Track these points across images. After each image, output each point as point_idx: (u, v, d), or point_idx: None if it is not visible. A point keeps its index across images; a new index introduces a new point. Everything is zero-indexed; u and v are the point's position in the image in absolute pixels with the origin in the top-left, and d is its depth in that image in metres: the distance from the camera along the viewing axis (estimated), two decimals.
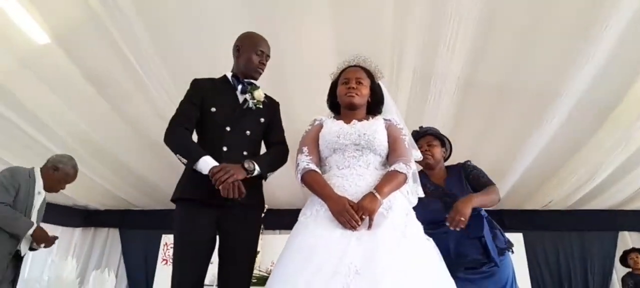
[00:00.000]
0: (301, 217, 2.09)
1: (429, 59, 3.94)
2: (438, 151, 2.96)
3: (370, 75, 2.38)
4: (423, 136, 2.99)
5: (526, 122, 4.73)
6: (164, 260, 7.33)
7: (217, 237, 2.27)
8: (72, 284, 4.77)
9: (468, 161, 2.97)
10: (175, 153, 2.22)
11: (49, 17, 3.59)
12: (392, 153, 2.17)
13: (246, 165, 2.16)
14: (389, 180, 2.03)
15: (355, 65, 2.40)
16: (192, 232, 2.18)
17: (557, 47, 3.68)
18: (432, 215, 2.65)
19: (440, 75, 4.13)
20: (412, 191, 2.21)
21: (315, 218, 2.00)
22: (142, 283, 7.38)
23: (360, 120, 2.26)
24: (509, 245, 2.76)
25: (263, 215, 2.48)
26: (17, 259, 3.51)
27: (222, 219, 2.21)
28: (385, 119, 2.30)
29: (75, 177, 3.78)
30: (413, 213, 2.10)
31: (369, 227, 1.89)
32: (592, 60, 3.71)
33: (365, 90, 2.32)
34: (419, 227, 2.05)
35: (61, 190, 3.82)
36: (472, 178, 2.85)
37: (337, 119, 2.32)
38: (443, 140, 3.02)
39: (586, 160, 5.43)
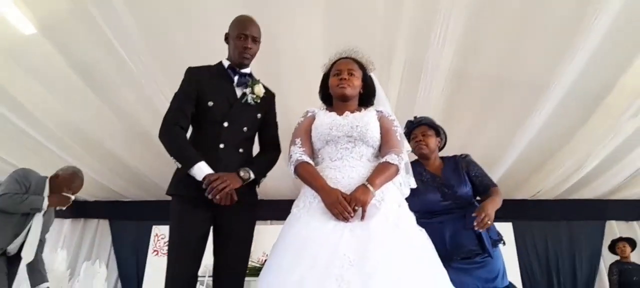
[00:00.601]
0: (294, 209, 2.09)
1: (420, 50, 3.93)
2: (433, 141, 2.96)
3: (361, 66, 2.36)
4: (418, 126, 2.99)
5: (516, 113, 4.76)
6: (154, 251, 7.31)
7: (211, 230, 2.25)
8: (62, 276, 4.73)
9: (468, 155, 2.98)
10: (170, 155, 2.19)
11: (34, 8, 3.54)
12: (384, 145, 2.17)
13: (242, 174, 2.15)
14: (381, 171, 2.03)
15: (346, 57, 2.38)
16: (187, 227, 2.16)
17: (547, 38, 3.69)
18: (429, 205, 2.71)
19: (431, 66, 4.13)
20: (404, 182, 2.21)
21: (308, 210, 2.00)
22: (132, 274, 7.36)
23: (352, 111, 2.25)
24: (500, 238, 2.79)
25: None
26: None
27: (218, 215, 2.19)
28: (377, 111, 2.29)
29: (76, 182, 3.77)
30: (405, 205, 2.11)
31: (362, 218, 1.89)
32: (581, 52, 3.73)
33: (357, 82, 2.31)
34: (411, 217, 2.05)
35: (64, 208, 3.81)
36: (474, 176, 2.86)
37: (330, 111, 2.31)
38: (438, 130, 3.02)
39: (575, 151, 5.49)
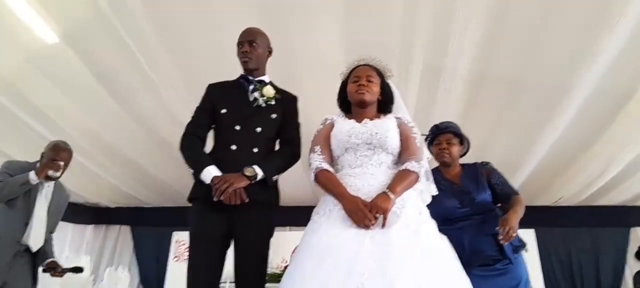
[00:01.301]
0: (314, 216, 2.09)
1: (439, 54, 3.90)
2: (456, 149, 2.93)
3: (379, 74, 2.36)
4: (443, 133, 2.96)
5: (537, 118, 4.68)
6: (175, 257, 7.37)
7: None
8: (86, 281, 4.81)
9: (489, 163, 2.95)
10: (186, 164, 2.31)
11: (57, 17, 3.60)
12: (404, 152, 2.16)
13: (246, 173, 2.18)
14: (402, 179, 2.02)
15: (365, 64, 2.38)
16: (204, 231, 2.21)
17: (568, 41, 3.64)
18: (447, 212, 2.68)
19: (450, 70, 4.09)
20: (425, 189, 2.20)
21: (329, 218, 2.00)
22: (153, 280, 7.40)
23: (371, 118, 2.25)
24: (523, 244, 2.75)
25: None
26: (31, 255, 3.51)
27: (235, 218, 2.21)
28: (396, 118, 2.29)
29: (61, 152, 3.57)
30: (426, 212, 2.10)
31: (383, 225, 1.89)
32: (603, 55, 3.66)
33: (376, 88, 2.31)
34: (432, 225, 2.04)
35: (57, 175, 3.58)
36: (495, 184, 2.84)
37: (348, 118, 2.30)
38: (462, 138, 2.99)
39: (597, 156, 5.38)
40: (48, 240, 3.60)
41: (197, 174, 2.21)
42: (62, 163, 3.52)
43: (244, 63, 2.48)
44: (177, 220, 6.91)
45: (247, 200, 2.12)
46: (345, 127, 2.21)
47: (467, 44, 3.73)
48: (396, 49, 3.79)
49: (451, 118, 4.56)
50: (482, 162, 2.96)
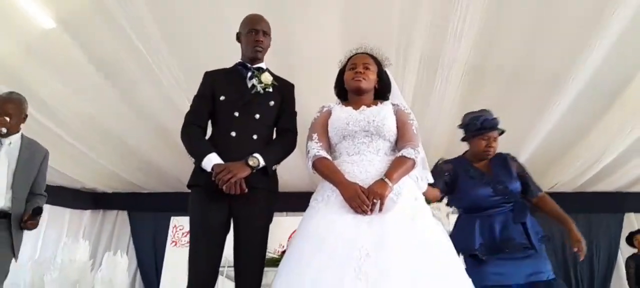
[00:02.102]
0: (312, 202, 2.14)
1: (437, 44, 3.93)
2: (497, 146, 3.03)
3: (377, 62, 2.39)
4: (494, 129, 3.03)
5: (533, 107, 4.74)
6: (173, 241, 7.44)
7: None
8: (84, 266, 4.85)
9: (515, 157, 3.09)
10: (188, 153, 2.34)
11: (54, 2, 3.59)
12: (401, 139, 2.19)
13: (250, 162, 2.20)
14: (398, 166, 2.06)
15: (362, 52, 2.40)
16: (206, 218, 2.25)
17: (565, 32, 3.67)
18: (479, 201, 2.86)
19: (448, 60, 4.12)
20: (421, 176, 2.23)
21: (327, 204, 2.05)
22: (151, 264, 7.48)
23: (368, 106, 2.27)
24: (547, 236, 2.93)
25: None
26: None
27: (234, 204, 2.24)
28: (393, 104, 2.32)
29: (2, 108, 3.26)
30: (422, 198, 2.15)
31: (380, 210, 1.94)
32: (600, 45, 3.70)
33: (372, 75, 2.33)
34: (427, 210, 2.08)
35: (3, 131, 3.26)
36: (522, 176, 3.01)
37: (346, 106, 2.33)
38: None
39: (592, 144, 5.46)
40: (29, 201, 3.32)
41: (198, 162, 2.24)
42: (7, 117, 3.22)
43: (256, 52, 2.46)
44: (175, 205, 6.95)
45: (246, 191, 2.15)
46: (342, 115, 2.24)
47: (466, 33, 3.74)
48: (394, 37, 3.80)
49: (449, 107, 4.64)
50: (509, 154, 3.08)
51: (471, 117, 3.03)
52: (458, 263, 1.94)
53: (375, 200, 1.93)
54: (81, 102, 4.84)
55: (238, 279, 2.29)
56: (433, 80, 4.36)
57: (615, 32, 3.56)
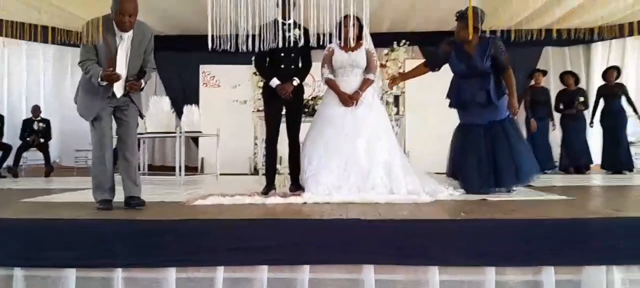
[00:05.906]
0: (325, 99, 4.40)
1: None
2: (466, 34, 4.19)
3: (358, 20, 4.21)
4: (463, 18, 4.20)
5: None
6: (204, 83, 8.93)
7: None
8: (169, 115, 6.81)
9: (499, 40, 4.36)
10: (261, 77, 4.53)
11: None
12: (367, 68, 4.31)
13: (294, 83, 4.34)
14: (366, 83, 4.25)
15: (347, 16, 4.21)
16: (274, 108, 4.46)
17: None
18: (458, 73, 4.41)
19: None
20: (376, 88, 4.46)
21: (331, 101, 4.28)
22: (181, 104, 7.60)
23: (353, 49, 4.27)
24: (504, 92, 4.31)
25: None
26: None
27: (287, 102, 4.42)
28: (366, 49, 4.31)
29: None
30: (377, 95, 4.41)
31: (355, 105, 4.17)
32: None
33: (355, 30, 4.23)
34: (378, 102, 4.37)
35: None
36: (495, 57, 4.23)
37: (341, 48, 4.29)
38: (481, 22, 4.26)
39: None
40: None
41: (267, 81, 4.37)
42: (130, 16, 3.32)
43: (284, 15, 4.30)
44: (199, 51, 7.64)
45: (291, 97, 4.33)
46: (339, 57, 4.27)
47: None
48: None
49: None
50: (494, 38, 4.39)
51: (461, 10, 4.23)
52: (390, 128, 4.30)
53: (354, 100, 4.15)
54: None
55: (289, 131, 4.55)
56: None
57: None
